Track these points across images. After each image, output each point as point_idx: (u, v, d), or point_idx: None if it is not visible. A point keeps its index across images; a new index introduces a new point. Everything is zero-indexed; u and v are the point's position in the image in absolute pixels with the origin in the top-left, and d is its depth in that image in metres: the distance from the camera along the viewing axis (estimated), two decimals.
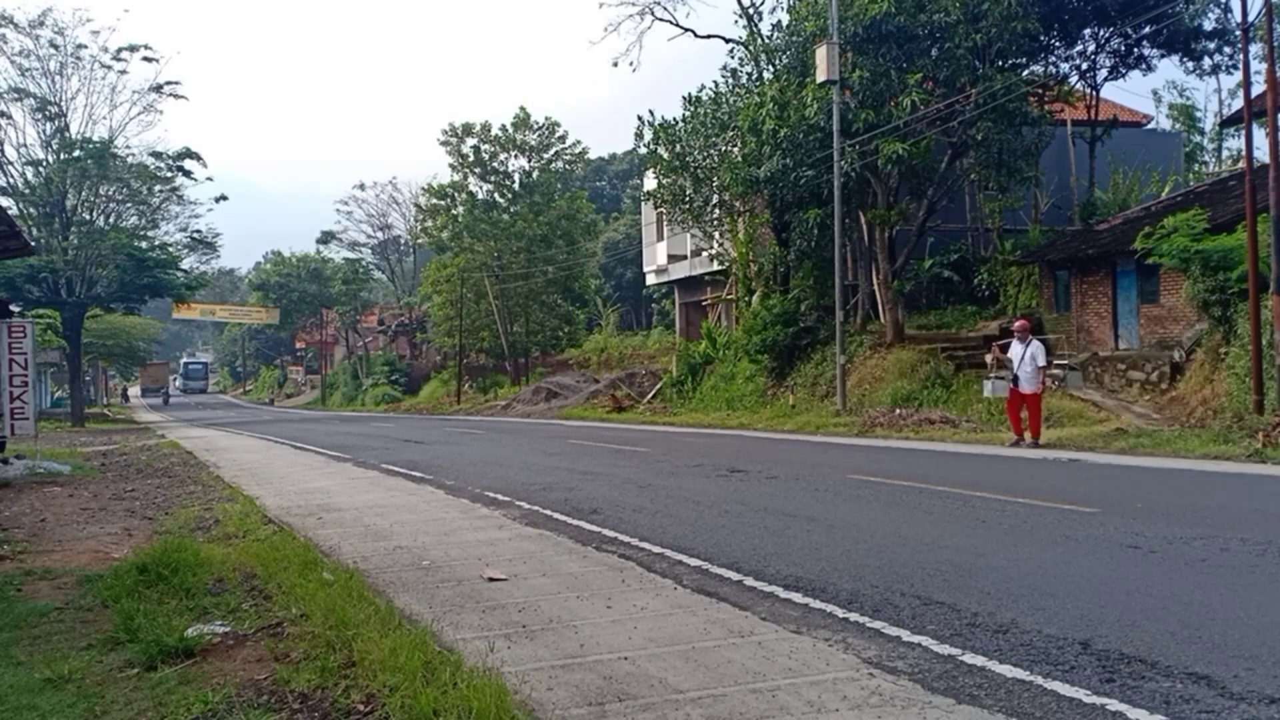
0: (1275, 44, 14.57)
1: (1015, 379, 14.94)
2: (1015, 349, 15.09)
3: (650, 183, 34.53)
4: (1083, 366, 20.07)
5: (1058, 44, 25.11)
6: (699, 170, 29.41)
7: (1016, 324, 15.71)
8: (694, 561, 6.68)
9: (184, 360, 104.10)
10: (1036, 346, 14.96)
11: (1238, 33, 19.01)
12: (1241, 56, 16.84)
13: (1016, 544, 6.97)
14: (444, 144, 49.35)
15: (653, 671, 4.33)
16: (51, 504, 11.39)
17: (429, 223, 54.90)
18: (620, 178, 73.16)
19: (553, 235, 47.87)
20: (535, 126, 49.31)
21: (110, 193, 38.52)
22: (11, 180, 36.74)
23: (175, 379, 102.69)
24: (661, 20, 32.20)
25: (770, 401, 25.59)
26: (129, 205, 39.65)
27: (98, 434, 30.04)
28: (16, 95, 36.20)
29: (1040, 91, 23.86)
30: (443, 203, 51.81)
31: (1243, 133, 19.04)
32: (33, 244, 26.30)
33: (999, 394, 15.81)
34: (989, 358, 17.19)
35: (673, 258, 38.71)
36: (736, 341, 29.16)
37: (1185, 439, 13.66)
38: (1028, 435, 14.96)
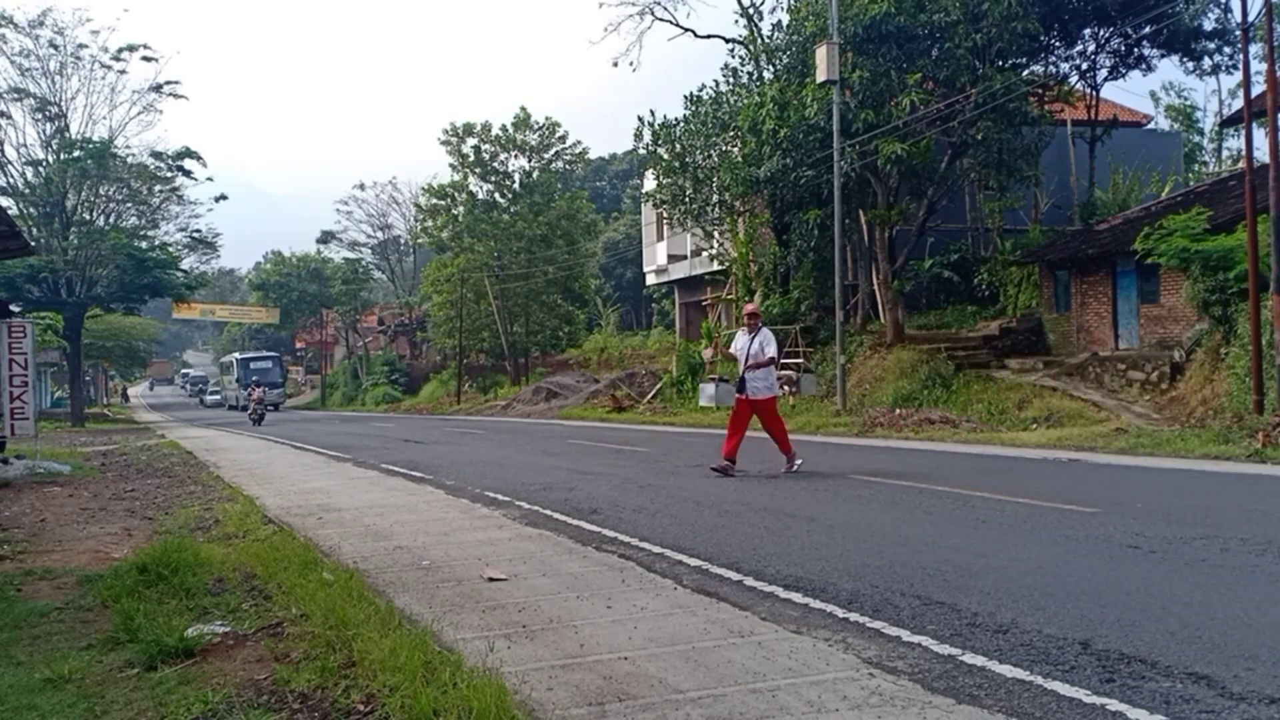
0: (1275, 44, 14.57)
1: (741, 382, 11.55)
2: (740, 341, 11.80)
3: (650, 183, 34.53)
4: (1082, 367, 20.09)
5: (1058, 44, 25.14)
6: (699, 170, 29.42)
7: (745, 308, 12.37)
8: (694, 561, 6.68)
9: (236, 357, 65.08)
10: (766, 337, 11.72)
11: (1238, 33, 19.03)
12: (1241, 56, 16.85)
13: (1016, 544, 6.97)
14: (444, 144, 49.37)
15: (653, 671, 4.33)
16: (51, 504, 11.39)
17: (429, 223, 54.89)
18: (620, 178, 73.15)
19: (553, 235, 47.86)
20: (535, 126, 49.30)
21: (110, 193, 38.56)
22: (11, 180, 36.81)
23: (220, 389, 73.03)
24: (661, 20, 32.24)
25: None
26: (129, 205, 39.69)
27: (98, 434, 30.03)
28: (16, 95, 36.27)
29: (1040, 91, 23.88)
30: (443, 203, 51.80)
31: (1243, 133, 19.05)
32: (33, 244, 26.29)
33: (723, 402, 11.99)
34: (707, 354, 12.90)
35: (673, 258, 38.72)
36: None
37: (1185, 439, 13.66)
38: (777, 457, 11.78)
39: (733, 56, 29.37)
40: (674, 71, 44.23)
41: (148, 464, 17.02)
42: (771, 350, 11.58)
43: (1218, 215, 17.40)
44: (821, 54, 21.28)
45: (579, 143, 51.40)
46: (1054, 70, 25.62)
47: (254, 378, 56.91)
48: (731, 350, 12.04)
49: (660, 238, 39.73)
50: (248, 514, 9.67)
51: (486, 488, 11.30)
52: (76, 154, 35.99)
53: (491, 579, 6.32)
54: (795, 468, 11.45)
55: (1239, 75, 22.40)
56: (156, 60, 44.47)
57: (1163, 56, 25.65)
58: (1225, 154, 38.45)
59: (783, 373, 11.91)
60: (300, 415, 47.15)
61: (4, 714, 4.11)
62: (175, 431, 30.15)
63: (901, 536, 7.37)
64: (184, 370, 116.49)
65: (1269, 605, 5.11)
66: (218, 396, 71.56)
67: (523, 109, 50.27)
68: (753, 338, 11.57)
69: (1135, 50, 25.26)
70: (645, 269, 43.42)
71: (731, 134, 27.72)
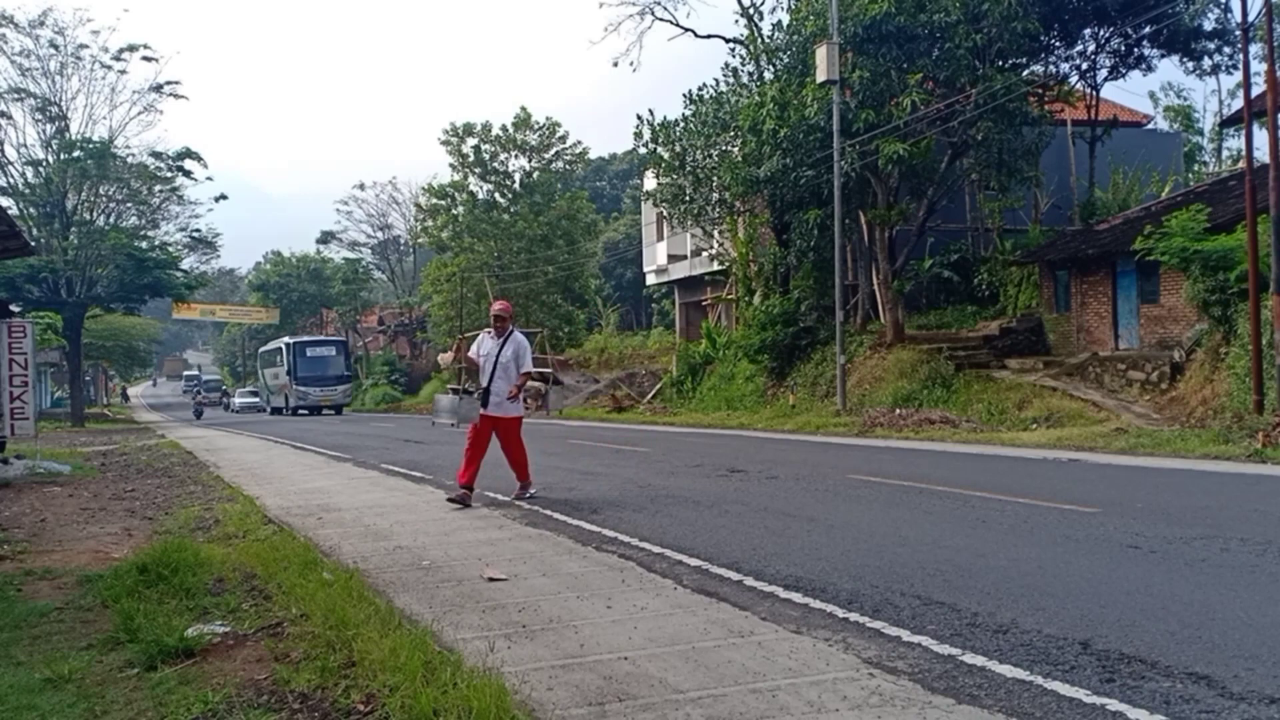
0: (1275, 44, 14.57)
1: (484, 395, 9.64)
2: (486, 346, 9.80)
3: (650, 183, 34.56)
4: (1082, 367, 20.08)
5: (1058, 44, 25.14)
6: (699, 170, 29.45)
7: (495, 306, 10.04)
8: (694, 561, 6.68)
9: (287, 342, 48.39)
10: (520, 344, 9.79)
11: (1238, 33, 19.02)
12: (1241, 56, 16.86)
13: (1016, 544, 6.97)
14: (444, 144, 49.39)
15: (653, 671, 4.33)
16: (51, 504, 11.39)
17: (429, 223, 54.89)
18: (620, 178, 73.17)
19: (553, 235, 47.88)
20: (536, 126, 49.32)
21: (110, 193, 38.57)
22: (11, 180, 36.82)
23: (259, 388, 57.61)
24: (662, 20, 32.29)
25: (770, 401, 25.58)
26: (129, 205, 39.70)
27: (98, 434, 30.03)
28: (17, 95, 36.28)
29: (1040, 91, 23.88)
30: (443, 203, 51.82)
31: (1243, 133, 19.06)
32: (33, 244, 26.30)
33: (466, 419, 9.82)
34: (445, 358, 10.55)
35: (673, 258, 38.73)
36: (736, 341, 29.17)
37: (1185, 439, 13.66)
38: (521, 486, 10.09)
39: (733, 56, 29.43)
40: (674, 71, 44.34)
41: (148, 464, 17.01)
42: (528, 363, 9.83)
43: (1218, 215, 17.40)
44: (821, 54, 21.29)
45: (579, 143, 51.46)
46: (1054, 70, 25.63)
47: (310, 372, 44.30)
48: (474, 355, 9.86)
49: (660, 238, 39.74)
50: (248, 514, 9.67)
51: (487, 488, 11.28)
52: (76, 154, 35.99)
53: (491, 579, 6.32)
54: (529, 495, 10.00)
55: (1239, 75, 22.41)
56: (157, 60, 44.54)
57: (1163, 56, 25.66)
58: (1225, 154, 38.51)
59: (530, 384, 10.14)
60: (300, 414, 47.10)
61: (4, 714, 4.11)
62: (175, 431, 30.15)
63: (901, 536, 7.37)
64: (186, 372, 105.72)
65: (1269, 605, 5.11)
66: (252, 400, 56.42)
67: (523, 109, 50.31)
68: (502, 343, 9.68)
69: (1135, 50, 25.26)
70: (645, 269, 43.42)
71: (731, 134, 27.73)
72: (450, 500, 9.70)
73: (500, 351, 9.62)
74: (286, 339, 51.73)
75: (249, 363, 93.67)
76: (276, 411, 45.66)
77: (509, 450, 9.96)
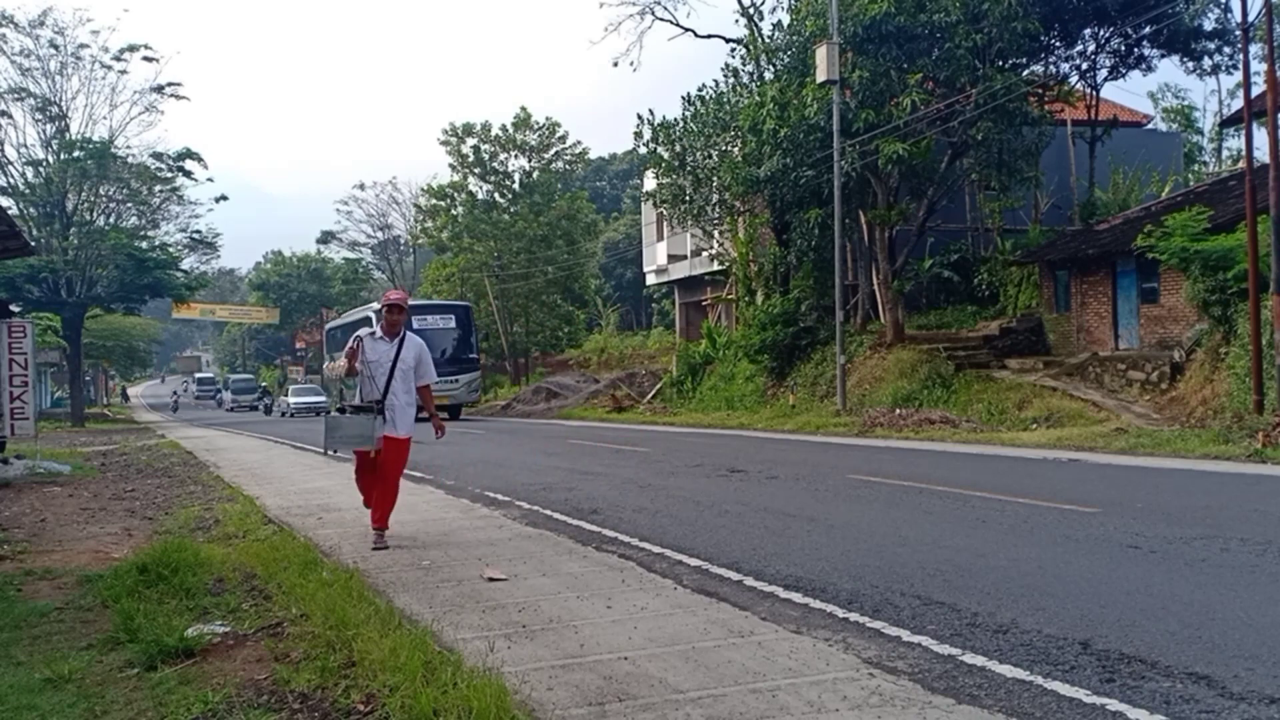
0: (1275, 44, 14.57)
1: (380, 410, 7.70)
2: (379, 350, 7.74)
3: (650, 183, 34.56)
4: (1082, 367, 20.09)
5: (1058, 44, 25.13)
6: (699, 170, 29.45)
7: (393, 295, 8.13)
8: (694, 561, 6.68)
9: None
10: (420, 346, 7.98)
11: (1238, 33, 19.02)
12: (1241, 56, 16.86)
13: (1016, 544, 6.97)
14: (444, 144, 49.42)
15: (653, 671, 4.33)
16: (51, 504, 11.39)
17: (429, 223, 54.92)
18: (620, 178, 73.21)
19: (553, 235, 47.88)
20: (535, 126, 49.33)
21: (110, 193, 38.54)
22: (11, 180, 36.78)
23: (319, 384, 51.22)
24: (662, 20, 32.34)
25: (770, 401, 25.59)
26: (129, 205, 39.67)
27: (98, 434, 30.03)
28: (17, 95, 36.23)
29: (1040, 91, 23.88)
30: (442, 203, 51.84)
31: (1243, 133, 19.05)
32: (33, 244, 26.29)
33: (371, 443, 7.70)
34: (335, 368, 8.69)
35: (673, 258, 38.75)
36: (736, 341, 29.18)
37: (1185, 439, 13.66)
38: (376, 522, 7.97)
39: (733, 56, 29.42)
40: (674, 71, 44.41)
41: (148, 464, 17.01)
42: (432, 371, 8.06)
43: (1218, 215, 17.40)
44: (821, 54, 21.29)
45: (579, 143, 51.44)
46: (1054, 70, 25.62)
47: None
48: (364, 361, 7.69)
49: (660, 238, 39.75)
50: (248, 514, 9.68)
51: (486, 488, 11.30)
52: (77, 154, 35.97)
53: (491, 579, 6.32)
54: (374, 541, 7.75)
55: (1239, 75, 22.40)
56: (157, 60, 44.54)
57: (1163, 56, 25.66)
58: (1225, 154, 38.51)
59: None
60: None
61: (4, 714, 4.11)
62: (175, 431, 30.15)
63: (901, 536, 7.37)
64: (198, 374, 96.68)
65: (1269, 605, 5.11)
66: (315, 400, 44.76)
67: (523, 109, 50.34)
68: (399, 344, 7.75)
69: (1135, 50, 25.26)
70: (645, 269, 43.44)
71: (732, 134, 27.73)
72: (375, 548, 7.61)
73: (399, 355, 7.71)
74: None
75: (250, 362, 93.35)
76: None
77: (390, 476, 7.93)
